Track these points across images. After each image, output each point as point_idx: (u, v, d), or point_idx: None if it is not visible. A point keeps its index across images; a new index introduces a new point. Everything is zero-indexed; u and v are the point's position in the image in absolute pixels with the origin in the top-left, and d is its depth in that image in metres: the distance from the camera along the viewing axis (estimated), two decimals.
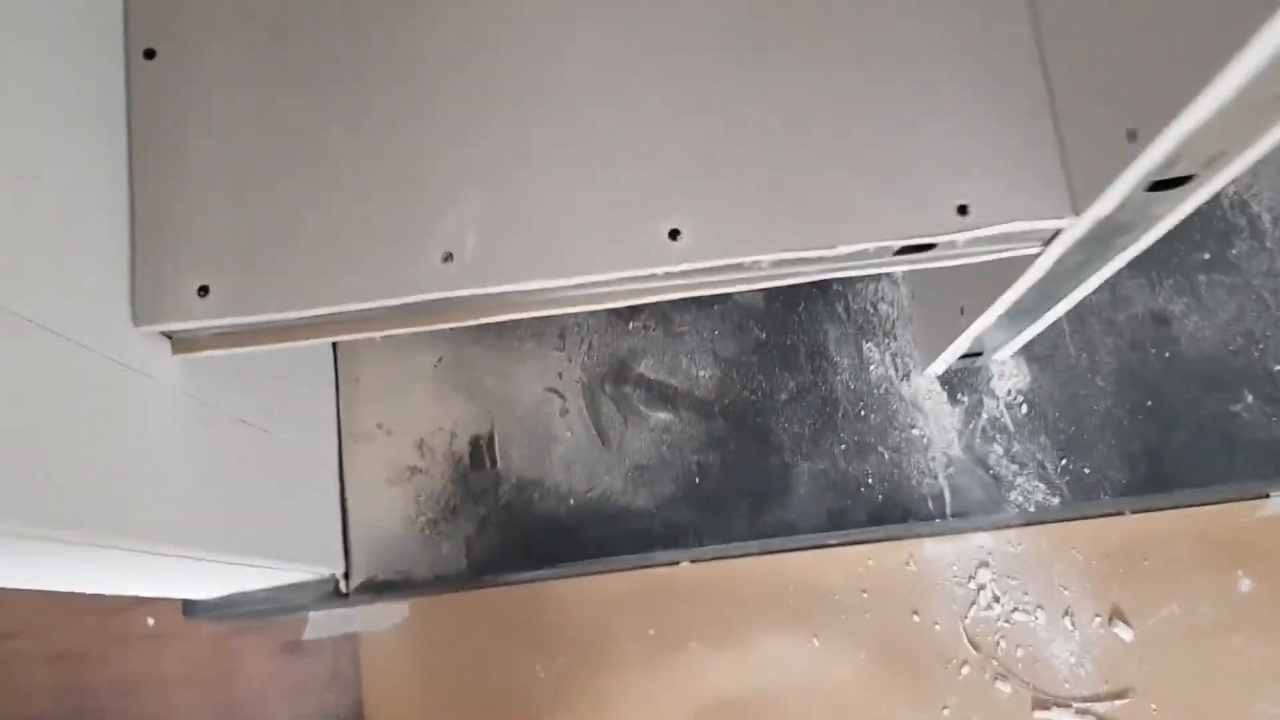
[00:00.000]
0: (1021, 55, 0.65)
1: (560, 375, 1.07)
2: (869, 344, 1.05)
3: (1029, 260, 0.70)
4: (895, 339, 1.05)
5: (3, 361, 0.51)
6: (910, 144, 0.64)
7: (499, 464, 1.05)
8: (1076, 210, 0.63)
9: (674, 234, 0.64)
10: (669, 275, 0.65)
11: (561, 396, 1.06)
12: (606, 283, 0.65)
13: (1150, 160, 0.55)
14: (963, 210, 0.63)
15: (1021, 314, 0.85)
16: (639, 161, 0.65)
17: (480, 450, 1.05)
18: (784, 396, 1.05)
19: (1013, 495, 1.01)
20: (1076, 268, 0.73)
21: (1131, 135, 0.55)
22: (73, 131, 0.61)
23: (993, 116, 0.64)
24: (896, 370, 1.05)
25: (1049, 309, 0.84)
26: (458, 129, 0.65)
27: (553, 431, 1.05)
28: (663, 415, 1.05)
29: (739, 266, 0.65)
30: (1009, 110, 0.64)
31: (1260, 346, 1.04)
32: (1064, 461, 1.02)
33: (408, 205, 0.65)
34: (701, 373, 1.06)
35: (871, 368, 1.05)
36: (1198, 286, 1.07)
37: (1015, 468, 1.02)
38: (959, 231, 0.63)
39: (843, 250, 0.64)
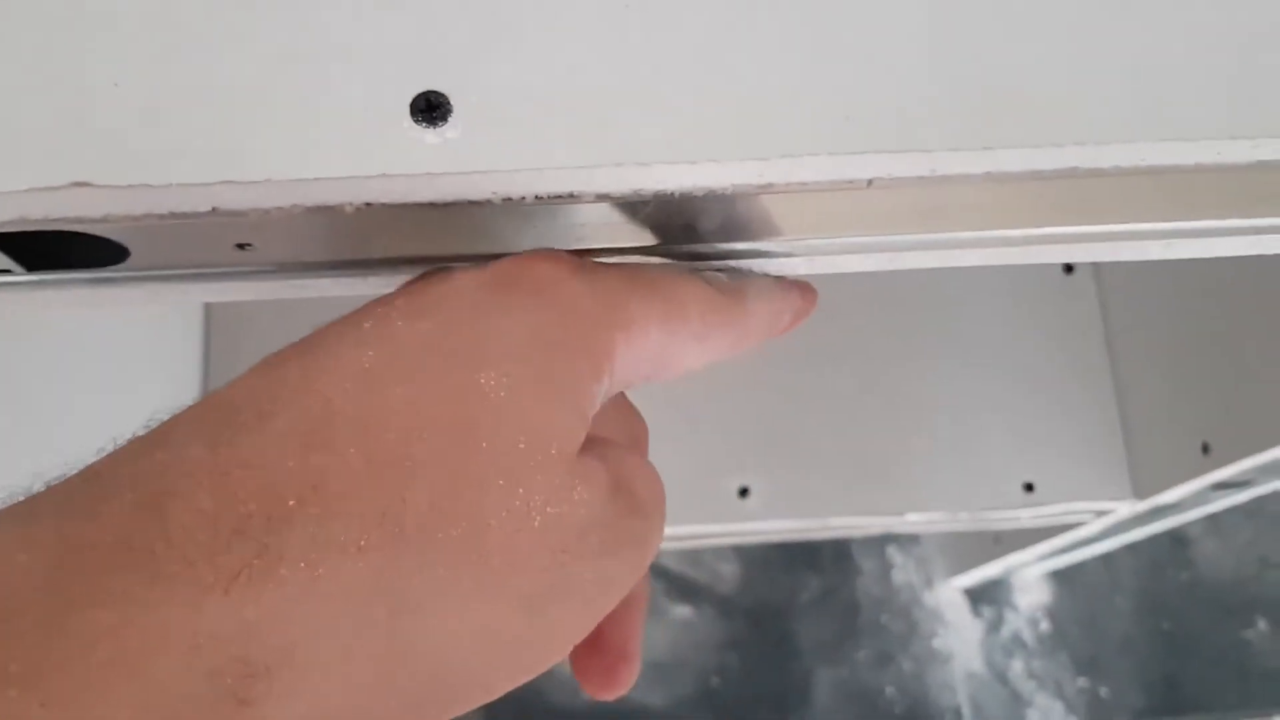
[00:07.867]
0: (1093, 344, 0.67)
1: None
2: (892, 547, 1.06)
3: (1077, 524, 0.71)
4: (919, 544, 1.06)
5: None
6: (980, 420, 0.65)
7: None
8: (1138, 495, 0.64)
9: (743, 491, 0.65)
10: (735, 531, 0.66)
11: None
12: (672, 536, 0.66)
13: (1223, 475, 0.56)
14: (1029, 488, 0.65)
15: (1055, 553, 0.86)
16: (712, 419, 0.66)
17: None
18: (806, 597, 1.04)
19: (1030, 714, 1.01)
20: (1119, 529, 0.75)
21: (1205, 449, 0.57)
22: None
23: (1062, 398, 0.66)
24: (919, 577, 1.05)
25: (1083, 550, 0.85)
26: None
27: None
28: (683, 610, 1.04)
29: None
30: (1078, 393, 0.66)
31: (1274, 571, 1.06)
32: (1082, 681, 1.02)
33: None
34: (724, 567, 1.06)
35: (894, 573, 1.05)
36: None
37: (1034, 684, 1.02)
38: (1024, 508, 0.64)
39: (911, 518, 0.65)
